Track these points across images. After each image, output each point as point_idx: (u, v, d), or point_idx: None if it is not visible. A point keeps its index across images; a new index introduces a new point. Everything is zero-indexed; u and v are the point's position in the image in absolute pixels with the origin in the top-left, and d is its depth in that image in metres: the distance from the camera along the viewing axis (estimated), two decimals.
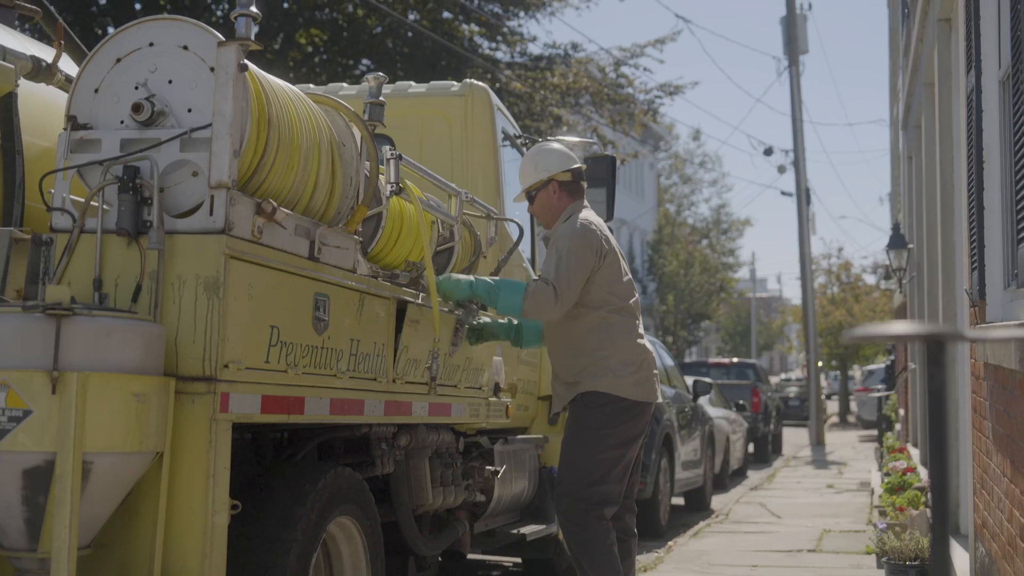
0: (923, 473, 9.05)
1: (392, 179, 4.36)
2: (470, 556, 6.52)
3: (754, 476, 16.69)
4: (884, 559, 6.88)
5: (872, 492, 12.00)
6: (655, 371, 4.94)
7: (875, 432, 21.59)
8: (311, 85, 6.50)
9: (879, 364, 30.72)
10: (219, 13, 16.35)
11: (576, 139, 7.65)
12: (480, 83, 6.34)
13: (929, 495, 3.31)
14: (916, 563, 6.65)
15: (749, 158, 75.61)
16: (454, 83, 6.43)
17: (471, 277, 4.81)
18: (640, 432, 4.86)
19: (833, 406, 41.93)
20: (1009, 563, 4.27)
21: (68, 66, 4.16)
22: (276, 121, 3.47)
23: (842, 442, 25.40)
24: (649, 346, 4.98)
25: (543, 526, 6.21)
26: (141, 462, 3.05)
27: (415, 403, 4.50)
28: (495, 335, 5.13)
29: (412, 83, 6.62)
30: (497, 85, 16.79)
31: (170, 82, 3.35)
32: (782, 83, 70.06)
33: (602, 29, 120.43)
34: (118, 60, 3.39)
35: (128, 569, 3.11)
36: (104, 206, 3.27)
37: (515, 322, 5.15)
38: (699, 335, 46.43)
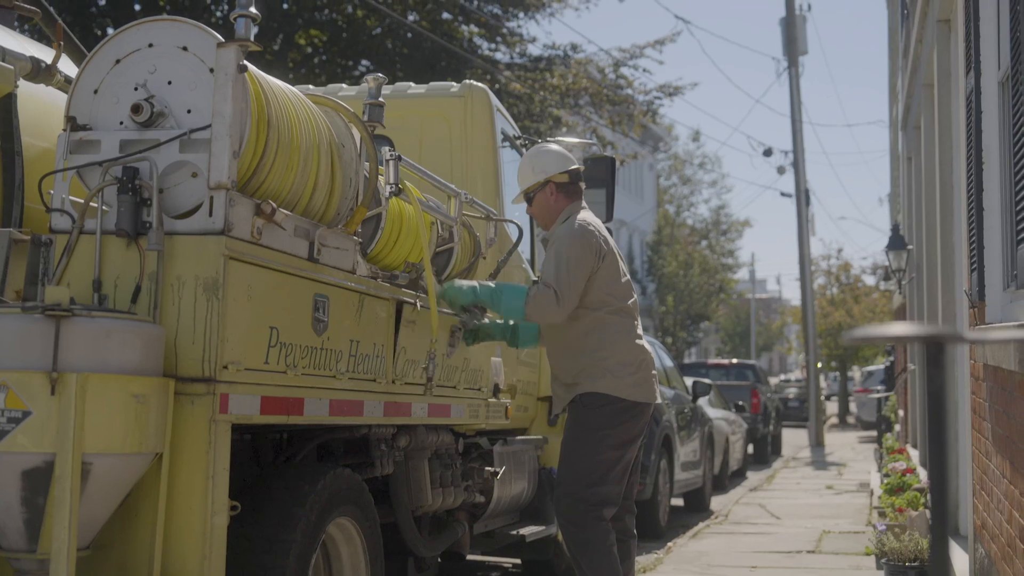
0: (922, 474, 9.04)
1: (391, 180, 4.36)
2: (469, 557, 6.51)
3: (753, 477, 16.69)
4: (883, 560, 6.87)
5: (871, 493, 11.99)
6: (654, 372, 4.94)
7: (874, 433, 21.56)
8: (310, 86, 6.50)
9: (878, 365, 30.68)
10: (218, 14, 16.35)
11: (575, 140, 7.64)
12: (479, 84, 6.35)
13: (928, 496, 3.31)
14: (916, 564, 6.64)
15: (748, 159, 76.18)
16: (453, 84, 6.44)
17: (474, 283, 4.82)
18: (639, 433, 4.86)
19: (832, 407, 41.90)
20: (1009, 564, 4.27)
21: (67, 67, 4.16)
22: (275, 122, 3.47)
23: (841, 443, 25.39)
24: (648, 347, 4.99)
25: (542, 527, 6.20)
26: (140, 463, 3.05)
27: (414, 404, 4.50)
28: (491, 335, 5.13)
29: (411, 84, 6.63)
30: (496, 86, 16.80)
31: (169, 83, 3.35)
32: (781, 84, 69.86)
33: (601, 30, 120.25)
34: (117, 61, 3.39)
35: (127, 570, 3.11)
36: (103, 207, 3.27)
37: (511, 322, 5.16)
38: (698, 336, 46.42)
